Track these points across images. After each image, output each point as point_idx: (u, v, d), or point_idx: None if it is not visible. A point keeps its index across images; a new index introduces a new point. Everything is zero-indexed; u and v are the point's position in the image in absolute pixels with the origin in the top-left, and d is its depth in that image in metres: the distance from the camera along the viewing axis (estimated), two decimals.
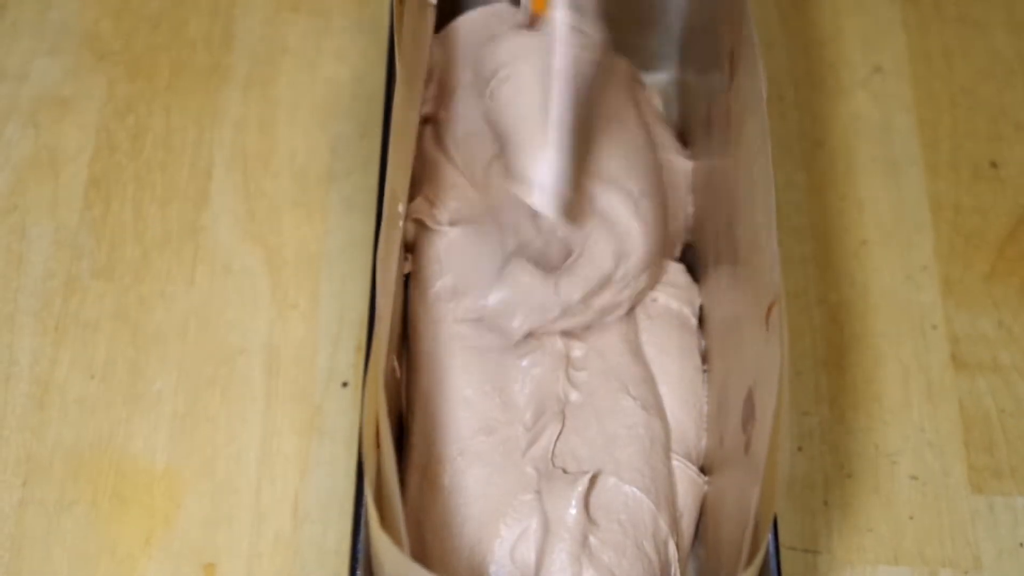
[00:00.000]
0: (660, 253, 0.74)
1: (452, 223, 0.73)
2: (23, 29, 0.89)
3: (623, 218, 0.71)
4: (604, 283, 0.71)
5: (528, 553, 0.66)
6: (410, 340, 0.73)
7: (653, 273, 0.73)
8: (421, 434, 0.70)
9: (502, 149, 0.70)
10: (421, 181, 0.75)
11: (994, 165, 0.86)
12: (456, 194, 0.75)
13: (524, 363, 0.71)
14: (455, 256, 0.72)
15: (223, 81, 0.88)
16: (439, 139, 0.77)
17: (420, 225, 0.74)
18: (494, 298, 0.70)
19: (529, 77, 0.69)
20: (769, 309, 0.62)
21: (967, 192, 0.85)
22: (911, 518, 0.75)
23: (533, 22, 0.66)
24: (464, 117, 0.76)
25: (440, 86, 0.78)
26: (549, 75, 0.65)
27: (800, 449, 0.77)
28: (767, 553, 0.63)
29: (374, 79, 0.87)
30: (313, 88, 0.88)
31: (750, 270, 0.66)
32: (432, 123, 0.77)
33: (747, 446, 0.63)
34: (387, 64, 0.78)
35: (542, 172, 0.65)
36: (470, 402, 0.70)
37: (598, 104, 0.73)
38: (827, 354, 0.80)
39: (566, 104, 0.65)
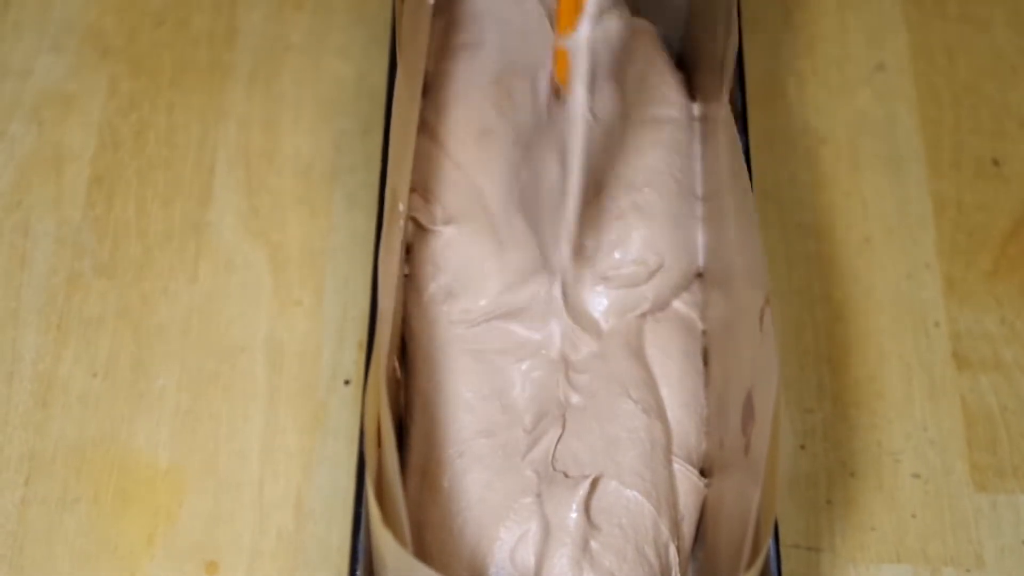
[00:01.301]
0: (678, 257, 0.74)
1: (447, 221, 0.73)
2: (26, 26, 0.89)
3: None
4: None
5: (528, 556, 0.66)
6: (407, 342, 0.73)
7: (671, 279, 0.74)
8: (420, 436, 0.70)
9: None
10: (415, 177, 0.74)
11: (996, 163, 0.86)
12: (450, 188, 0.74)
13: (524, 366, 0.71)
14: (450, 256, 0.72)
15: (226, 78, 0.88)
16: (428, 127, 0.76)
17: (416, 224, 0.74)
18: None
19: (547, 157, 0.70)
20: (762, 311, 0.62)
21: (970, 189, 0.85)
22: (914, 516, 0.75)
23: (556, 93, 0.68)
24: (453, 89, 0.76)
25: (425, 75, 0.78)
26: (564, 152, 0.67)
27: (803, 447, 0.77)
28: (768, 553, 0.63)
29: (376, 76, 0.87)
30: (316, 85, 0.88)
31: (743, 272, 0.66)
32: (421, 115, 0.77)
33: (747, 448, 0.63)
34: (389, 61, 0.78)
35: (562, 246, 0.69)
36: (469, 405, 0.69)
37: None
38: (830, 351, 0.80)
39: (580, 182, 0.67)
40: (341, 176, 0.84)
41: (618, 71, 0.67)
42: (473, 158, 0.74)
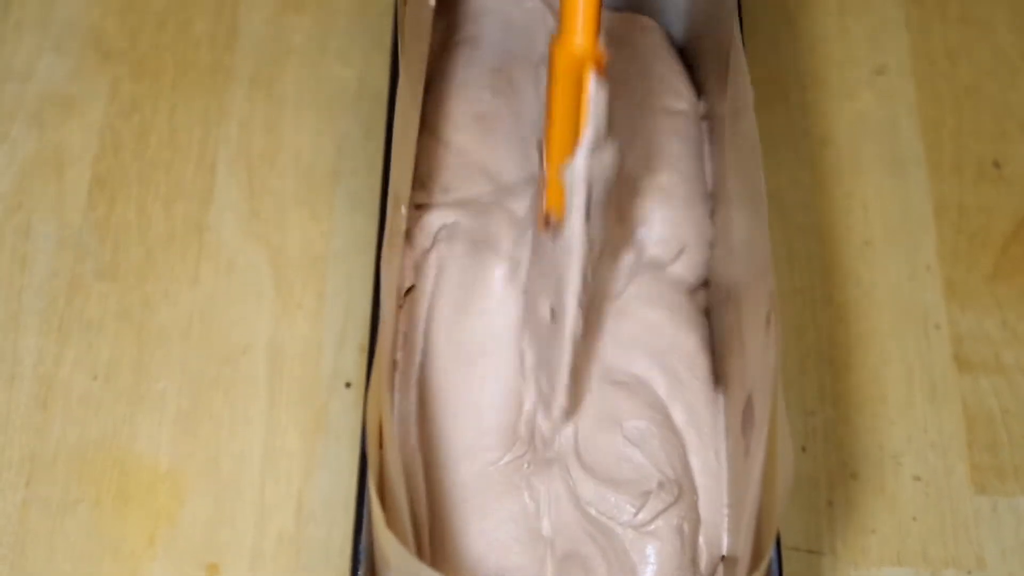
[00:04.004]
0: (699, 242, 0.74)
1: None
2: (28, 28, 0.89)
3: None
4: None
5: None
6: None
7: (693, 263, 0.73)
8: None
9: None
10: (416, 173, 0.74)
11: (997, 165, 0.86)
12: (452, 173, 0.74)
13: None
14: None
15: (228, 80, 0.88)
16: (427, 122, 0.75)
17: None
18: None
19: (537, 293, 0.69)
20: (768, 315, 0.62)
21: (971, 192, 0.85)
22: (914, 519, 0.75)
23: (546, 226, 0.66)
24: (451, 82, 0.76)
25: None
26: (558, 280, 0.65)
27: (804, 449, 0.77)
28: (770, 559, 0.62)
29: (378, 79, 0.87)
30: (318, 87, 0.88)
31: (747, 276, 0.66)
32: (421, 112, 0.77)
33: (746, 452, 0.63)
34: (390, 63, 0.78)
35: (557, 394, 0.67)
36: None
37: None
38: (831, 353, 0.80)
39: (576, 317, 0.65)
40: (343, 178, 0.84)
41: (607, 200, 0.64)
42: (472, 139, 0.74)
